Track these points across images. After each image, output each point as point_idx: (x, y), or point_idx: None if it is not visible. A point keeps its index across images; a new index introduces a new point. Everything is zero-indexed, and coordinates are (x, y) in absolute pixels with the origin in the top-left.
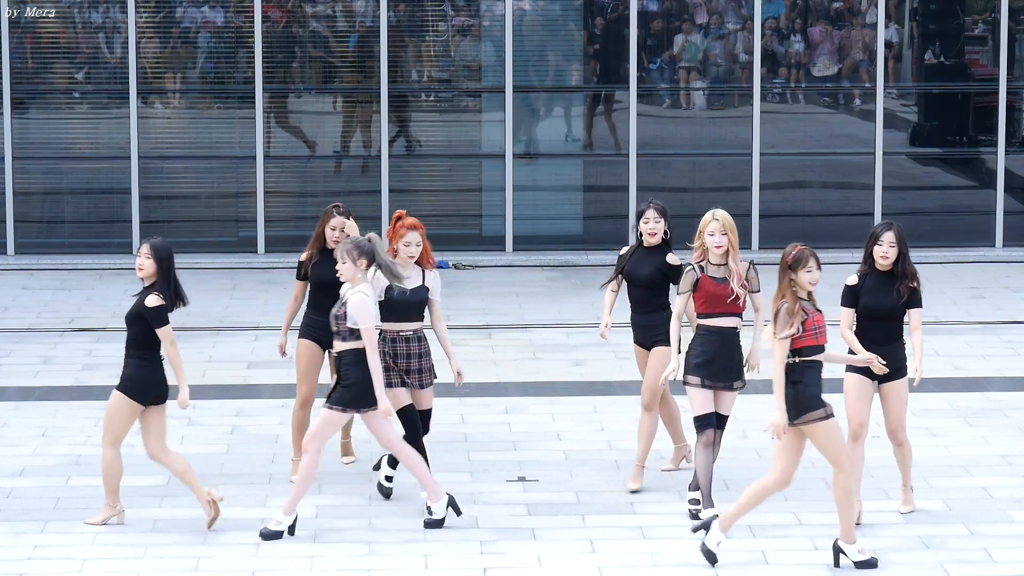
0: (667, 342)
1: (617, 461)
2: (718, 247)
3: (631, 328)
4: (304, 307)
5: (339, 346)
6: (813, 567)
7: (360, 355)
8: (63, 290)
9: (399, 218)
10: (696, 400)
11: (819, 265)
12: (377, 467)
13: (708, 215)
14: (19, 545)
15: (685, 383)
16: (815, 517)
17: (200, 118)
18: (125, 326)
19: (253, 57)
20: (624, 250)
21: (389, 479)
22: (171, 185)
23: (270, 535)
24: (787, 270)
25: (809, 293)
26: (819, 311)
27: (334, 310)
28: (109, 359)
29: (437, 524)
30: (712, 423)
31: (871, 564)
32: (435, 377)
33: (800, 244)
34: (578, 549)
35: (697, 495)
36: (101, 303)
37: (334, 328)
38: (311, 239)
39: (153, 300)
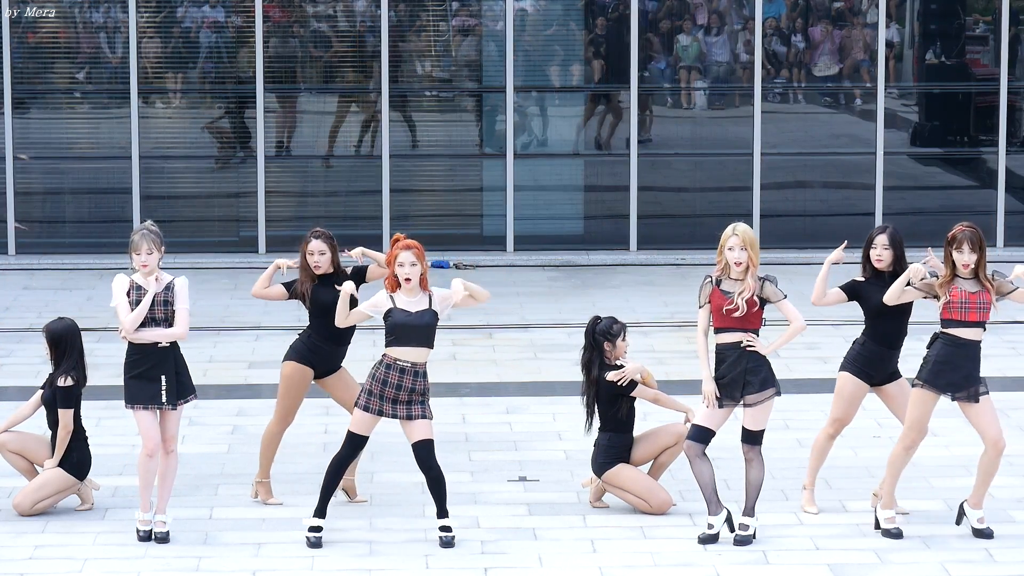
0: None
1: None
2: (738, 263)
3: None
4: (308, 331)
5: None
6: (813, 567)
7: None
8: (64, 290)
9: (396, 240)
10: (702, 412)
11: (974, 249)
12: None
13: (729, 229)
14: (19, 545)
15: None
16: (815, 517)
17: (201, 118)
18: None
19: (254, 57)
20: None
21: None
22: (172, 185)
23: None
24: (948, 246)
25: (977, 272)
26: (982, 290)
27: (154, 298)
28: (110, 359)
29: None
30: (707, 439)
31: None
32: (425, 414)
33: (966, 224)
34: (579, 549)
35: (747, 520)
36: (102, 303)
37: (161, 316)
38: (299, 270)
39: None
